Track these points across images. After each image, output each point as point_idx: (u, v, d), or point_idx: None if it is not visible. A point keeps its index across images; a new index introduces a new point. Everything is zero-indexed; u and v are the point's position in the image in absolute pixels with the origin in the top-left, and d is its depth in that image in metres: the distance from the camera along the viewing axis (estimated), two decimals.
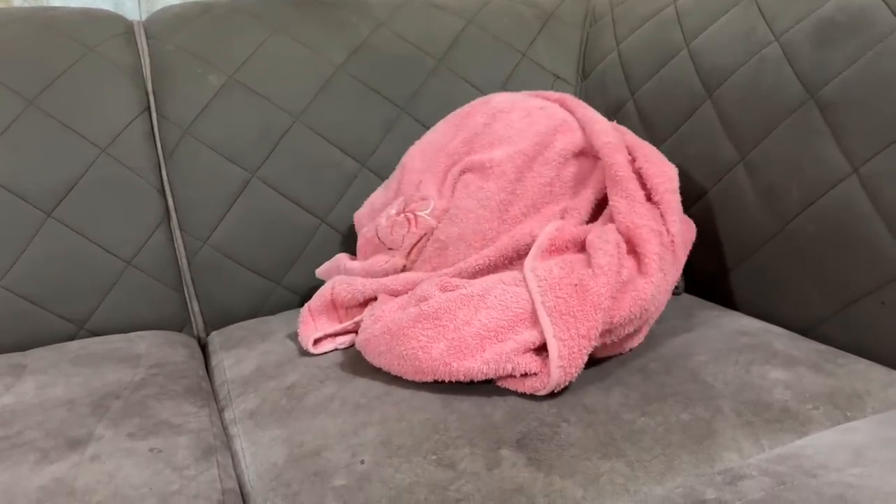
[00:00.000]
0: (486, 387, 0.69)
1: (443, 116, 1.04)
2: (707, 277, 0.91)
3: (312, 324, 0.84)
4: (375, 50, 1.05)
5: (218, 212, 0.97)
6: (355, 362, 0.77)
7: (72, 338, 0.93)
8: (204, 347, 0.96)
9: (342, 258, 0.93)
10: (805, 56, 0.78)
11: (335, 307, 0.85)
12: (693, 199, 0.91)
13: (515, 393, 0.67)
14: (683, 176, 0.89)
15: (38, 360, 0.84)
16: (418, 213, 0.83)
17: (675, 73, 0.95)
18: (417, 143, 0.95)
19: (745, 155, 0.84)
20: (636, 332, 0.73)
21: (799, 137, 0.78)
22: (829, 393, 0.66)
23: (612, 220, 0.76)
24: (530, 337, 0.67)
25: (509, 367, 0.66)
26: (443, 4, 1.13)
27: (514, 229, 0.80)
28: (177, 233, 0.97)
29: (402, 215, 0.84)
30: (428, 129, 1.02)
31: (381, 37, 1.07)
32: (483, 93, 1.07)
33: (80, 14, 1.00)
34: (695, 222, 0.85)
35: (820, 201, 0.75)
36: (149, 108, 0.97)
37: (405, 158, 0.94)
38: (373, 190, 1.00)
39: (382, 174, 1.03)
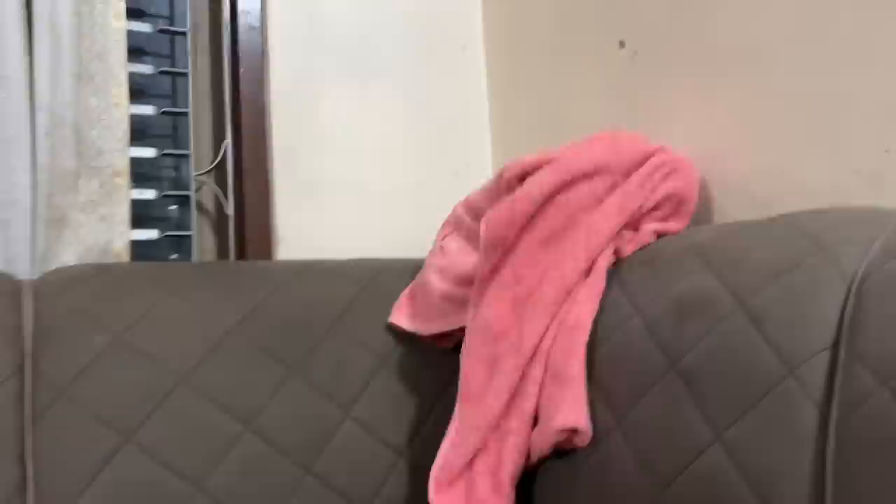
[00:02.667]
0: None
1: (335, 380, 1.04)
2: None
3: None
4: (270, 313, 1.07)
5: (83, 481, 0.90)
6: None
7: None
8: None
9: None
10: (665, 329, 0.85)
11: None
12: (577, 468, 0.91)
13: None
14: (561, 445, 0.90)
15: None
16: None
17: None
18: None
19: (621, 420, 0.87)
20: None
21: (667, 404, 0.81)
22: None
23: None
24: None
25: None
26: (341, 271, 1.18)
27: None
28: None
29: None
30: (319, 387, 1.02)
31: (277, 300, 1.09)
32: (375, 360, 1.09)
33: None
34: (576, 495, 0.85)
35: (692, 468, 0.77)
36: (23, 369, 0.94)
37: None
38: (259, 457, 0.96)
39: (267, 437, 0.99)
